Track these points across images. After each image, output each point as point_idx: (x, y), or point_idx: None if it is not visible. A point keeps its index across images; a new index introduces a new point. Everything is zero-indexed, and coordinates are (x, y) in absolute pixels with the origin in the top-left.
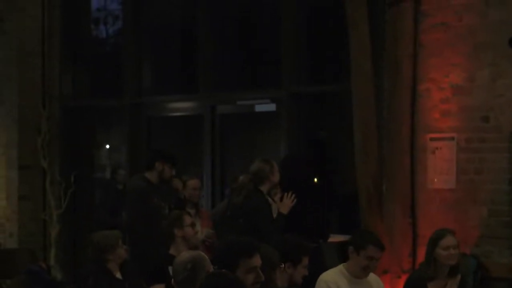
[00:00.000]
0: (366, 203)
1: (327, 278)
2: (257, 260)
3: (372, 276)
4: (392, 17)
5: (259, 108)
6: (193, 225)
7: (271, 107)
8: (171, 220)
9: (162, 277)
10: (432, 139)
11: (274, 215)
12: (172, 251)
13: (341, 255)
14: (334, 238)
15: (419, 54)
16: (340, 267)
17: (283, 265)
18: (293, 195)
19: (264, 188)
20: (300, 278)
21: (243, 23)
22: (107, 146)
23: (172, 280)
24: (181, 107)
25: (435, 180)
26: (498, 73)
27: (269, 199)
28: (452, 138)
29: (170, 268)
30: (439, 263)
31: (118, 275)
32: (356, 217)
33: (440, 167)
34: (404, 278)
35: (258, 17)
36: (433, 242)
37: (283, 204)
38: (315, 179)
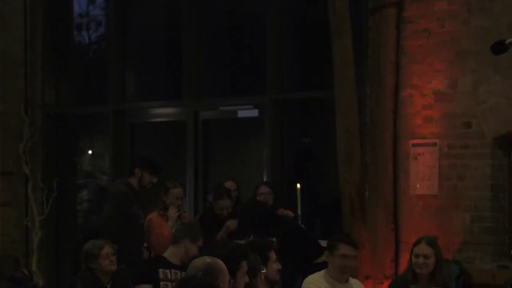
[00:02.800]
0: (349, 209)
1: (310, 281)
2: (245, 266)
3: (354, 281)
4: (375, 24)
5: (242, 114)
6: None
7: (254, 112)
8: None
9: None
10: (414, 145)
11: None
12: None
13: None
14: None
15: (401, 61)
16: (323, 271)
17: (264, 270)
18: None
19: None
20: (275, 274)
21: (227, 29)
22: (90, 152)
23: None
24: (164, 113)
25: (418, 186)
26: (481, 80)
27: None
28: (435, 144)
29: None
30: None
31: (109, 285)
32: (340, 224)
33: (422, 173)
34: (386, 284)
35: (242, 23)
36: (411, 248)
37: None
38: (298, 185)
